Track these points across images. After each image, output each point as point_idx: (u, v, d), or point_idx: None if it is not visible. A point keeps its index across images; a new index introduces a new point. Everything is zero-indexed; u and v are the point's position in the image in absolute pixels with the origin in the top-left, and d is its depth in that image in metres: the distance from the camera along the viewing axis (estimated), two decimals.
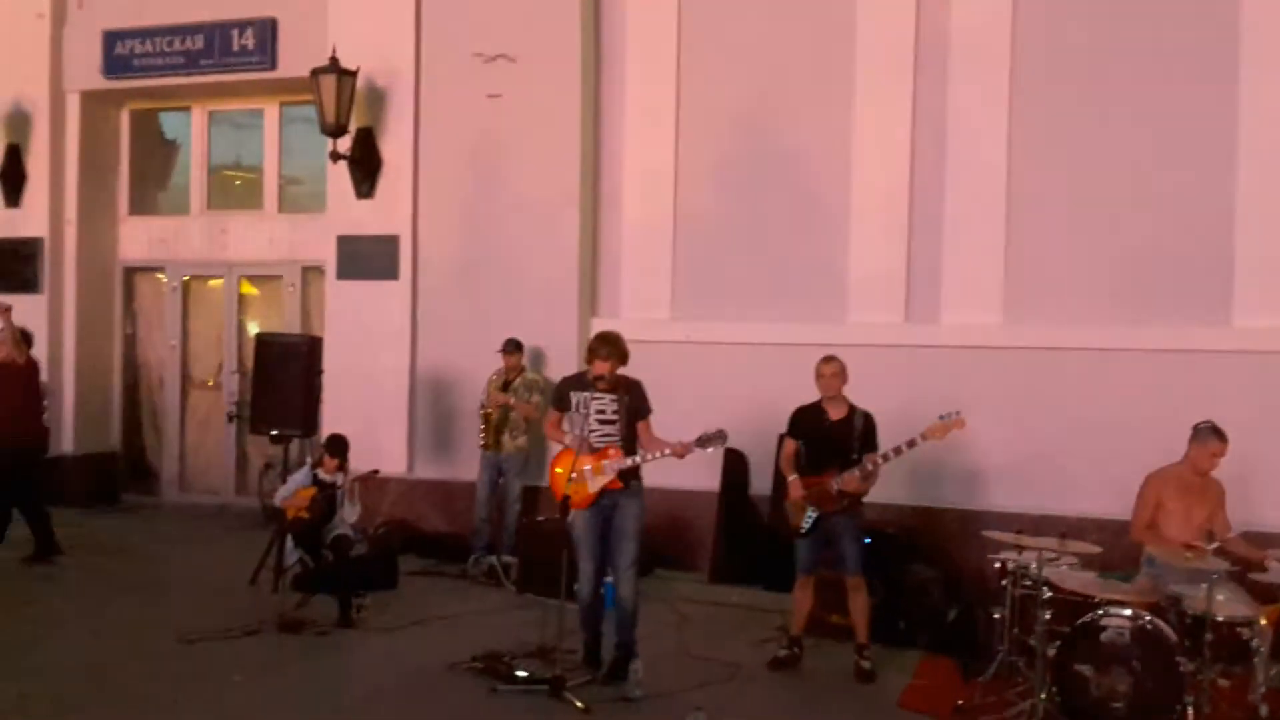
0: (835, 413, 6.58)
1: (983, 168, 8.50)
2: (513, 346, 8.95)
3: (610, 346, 6.22)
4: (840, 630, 6.93)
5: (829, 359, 6.61)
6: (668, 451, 6.23)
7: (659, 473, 6.69)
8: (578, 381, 6.43)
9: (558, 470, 6.34)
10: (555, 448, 6.47)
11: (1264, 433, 7.43)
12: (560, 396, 6.50)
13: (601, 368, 6.20)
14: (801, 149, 9.08)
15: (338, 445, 7.81)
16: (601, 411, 6.28)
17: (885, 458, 6.39)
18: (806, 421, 6.66)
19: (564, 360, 9.35)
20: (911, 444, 6.34)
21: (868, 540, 6.77)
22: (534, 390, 8.91)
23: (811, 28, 9.05)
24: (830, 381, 6.55)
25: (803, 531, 6.57)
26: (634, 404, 6.30)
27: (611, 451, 6.24)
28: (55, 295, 11.45)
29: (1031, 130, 8.42)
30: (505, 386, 8.95)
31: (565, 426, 6.48)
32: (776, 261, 9.09)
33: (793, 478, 6.59)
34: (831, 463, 6.47)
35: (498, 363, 9.00)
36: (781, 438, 6.92)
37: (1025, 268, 8.44)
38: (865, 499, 6.64)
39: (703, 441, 6.19)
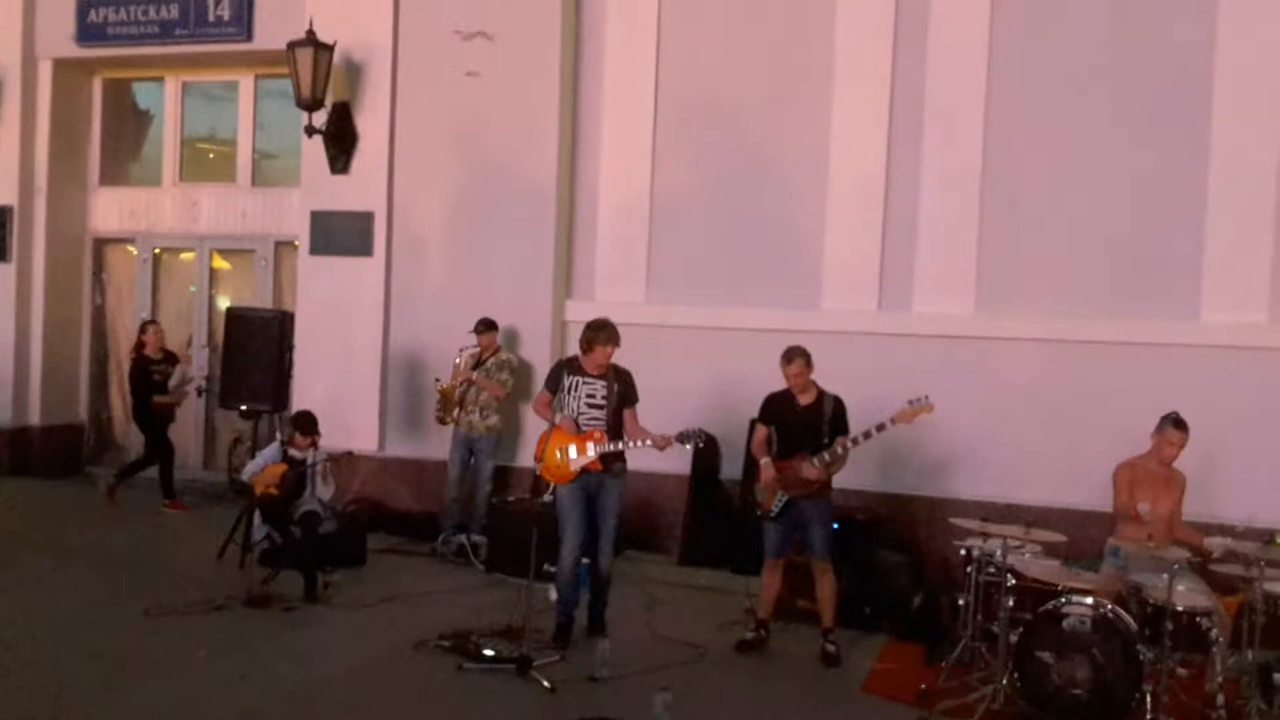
0: (805, 398, 6.62)
1: (958, 159, 8.53)
2: (484, 326, 8.93)
3: (612, 332, 6.47)
4: (807, 614, 6.98)
5: (790, 359, 6.58)
6: (649, 442, 6.46)
7: (631, 455, 6.72)
8: (571, 365, 6.66)
9: (545, 445, 6.52)
10: (538, 426, 6.61)
11: (1229, 426, 7.52)
12: (554, 378, 6.69)
13: (606, 354, 6.45)
14: (779, 135, 9.08)
15: (308, 423, 7.79)
16: (592, 396, 6.51)
17: (855, 441, 6.43)
18: (777, 407, 6.71)
19: (538, 340, 9.37)
20: (880, 428, 6.38)
21: (836, 525, 6.82)
22: (504, 369, 8.90)
23: (792, 14, 9.04)
24: (796, 380, 6.60)
25: (772, 515, 6.61)
26: (623, 391, 6.54)
27: (596, 435, 6.46)
28: (24, 265, 11.31)
29: (1007, 122, 8.45)
30: (478, 364, 8.94)
31: (556, 406, 6.63)
32: (752, 247, 9.10)
33: (764, 460, 6.65)
34: (801, 447, 6.52)
35: (471, 341, 8.97)
36: (753, 423, 6.96)
37: (997, 259, 8.48)
38: (834, 484, 6.68)
39: (683, 438, 6.42)
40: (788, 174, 9.06)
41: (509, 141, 9.55)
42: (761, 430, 6.77)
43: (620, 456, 6.57)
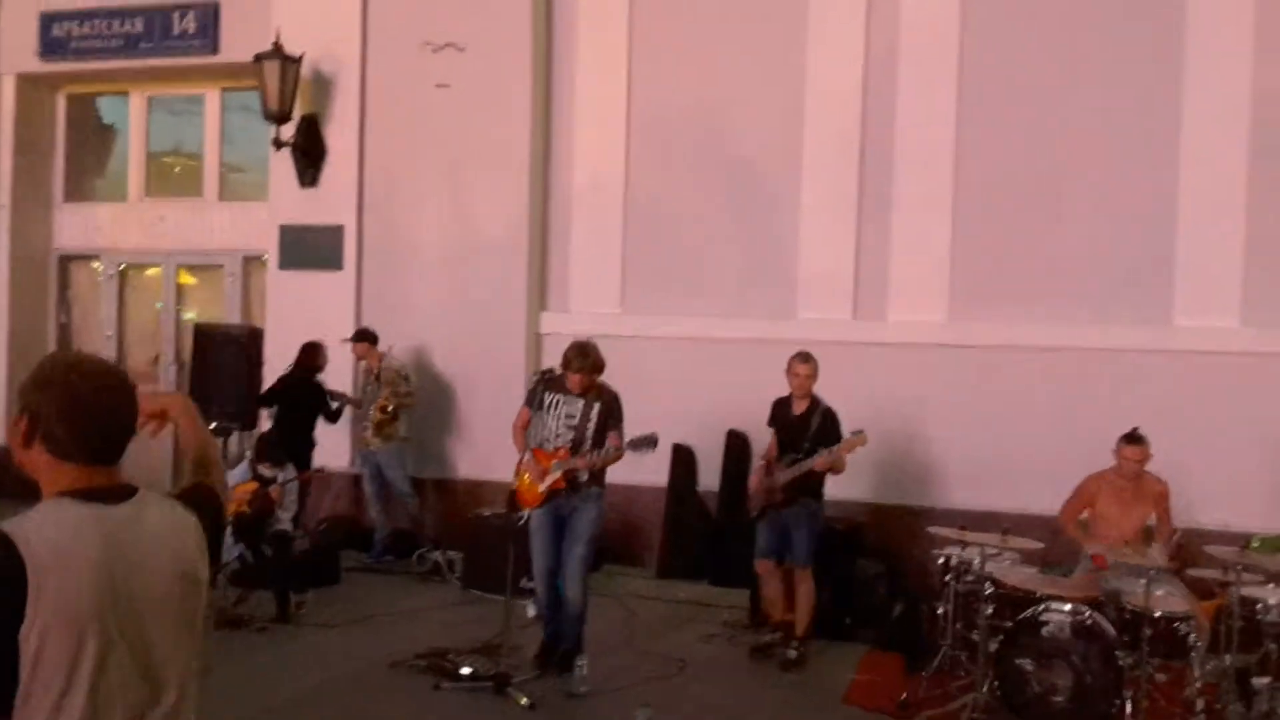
0: (798, 407, 6.68)
1: (930, 167, 8.55)
2: (359, 336, 9.02)
3: (583, 359, 6.18)
4: (785, 625, 6.94)
5: (805, 358, 6.66)
6: (604, 452, 6.19)
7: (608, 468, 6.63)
8: (551, 382, 6.41)
9: (518, 471, 6.40)
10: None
11: (1202, 432, 7.57)
12: (534, 395, 6.45)
13: (574, 381, 6.20)
14: (753, 145, 9.07)
15: (265, 449, 7.78)
16: (571, 417, 6.25)
17: (793, 463, 6.48)
18: (778, 412, 6.83)
19: (512, 353, 9.30)
20: (826, 458, 6.37)
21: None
22: (401, 380, 8.99)
23: (764, 24, 9.04)
24: (802, 383, 6.64)
25: (753, 514, 6.72)
26: (605, 412, 6.25)
27: (561, 452, 6.22)
28: None
29: (978, 131, 8.48)
30: (377, 378, 8.99)
31: (534, 425, 6.40)
32: (726, 257, 9.08)
33: (757, 464, 6.75)
34: (786, 455, 6.57)
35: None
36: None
37: (971, 267, 8.50)
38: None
39: (634, 444, 6.09)
40: (762, 184, 9.05)
41: (480, 153, 9.48)
42: (772, 433, 6.85)
43: (595, 478, 6.27)
